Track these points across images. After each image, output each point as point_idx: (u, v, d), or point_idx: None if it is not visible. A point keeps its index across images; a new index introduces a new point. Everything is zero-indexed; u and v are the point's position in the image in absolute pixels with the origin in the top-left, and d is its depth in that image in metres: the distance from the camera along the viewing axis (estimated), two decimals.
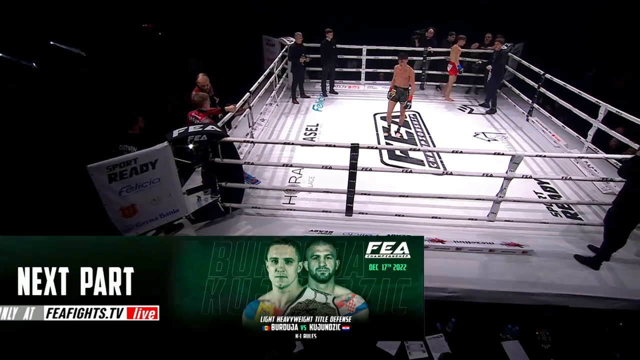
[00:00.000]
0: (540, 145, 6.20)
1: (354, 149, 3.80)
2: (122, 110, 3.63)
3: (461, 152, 3.87)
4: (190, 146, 4.38)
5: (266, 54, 9.06)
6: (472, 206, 4.37)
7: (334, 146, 3.96)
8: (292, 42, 7.52)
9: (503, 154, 3.89)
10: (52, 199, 4.63)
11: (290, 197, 4.77)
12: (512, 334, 3.40)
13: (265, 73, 6.45)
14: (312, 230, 4.08)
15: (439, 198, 4.25)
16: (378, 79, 8.95)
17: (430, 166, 5.52)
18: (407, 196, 4.21)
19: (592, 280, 3.61)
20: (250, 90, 5.36)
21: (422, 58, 8.29)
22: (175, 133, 3.65)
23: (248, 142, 5.03)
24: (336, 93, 8.38)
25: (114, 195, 3.38)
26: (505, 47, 7.20)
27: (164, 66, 7.98)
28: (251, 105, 5.46)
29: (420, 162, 5.59)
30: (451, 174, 4.01)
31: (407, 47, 8.24)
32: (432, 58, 8.25)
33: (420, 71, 8.47)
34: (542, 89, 6.51)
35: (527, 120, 7.01)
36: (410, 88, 6.08)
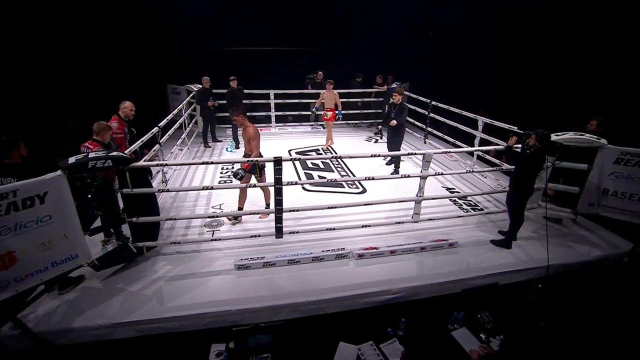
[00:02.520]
0: (438, 160, 6.94)
1: (277, 162, 3.73)
2: None
3: (379, 155, 4.10)
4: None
5: (172, 102, 8.77)
6: (396, 215, 4.61)
7: (257, 161, 3.83)
8: (199, 88, 7.45)
9: (415, 154, 4.25)
10: None
11: (214, 231, 4.38)
12: (459, 322, 3.45)
13: (174, 112, 6.14)
14: (242, 259, 3.74)
15: (366, 205, 4.36)
16: (287, 122, 9.33)
17: (349, 187, 5.69)
18: (335, 207, 4.22)
19: (509, 257, 4.07)
20: (160, 125, 5.00)
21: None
22: (72, 160, 3.11)
23: (161, 165, 4.55)
24: None
25: None
26: (396, 85, 8.28)
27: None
28: (161, 141, 5.07)
29: (340, 185, 5.71)
30: (373, 178, 4.18)
31: (311, 90, 8.92)
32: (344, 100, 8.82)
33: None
34: (431, 114, 7.54)
35: (425, 143, 7.92)
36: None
